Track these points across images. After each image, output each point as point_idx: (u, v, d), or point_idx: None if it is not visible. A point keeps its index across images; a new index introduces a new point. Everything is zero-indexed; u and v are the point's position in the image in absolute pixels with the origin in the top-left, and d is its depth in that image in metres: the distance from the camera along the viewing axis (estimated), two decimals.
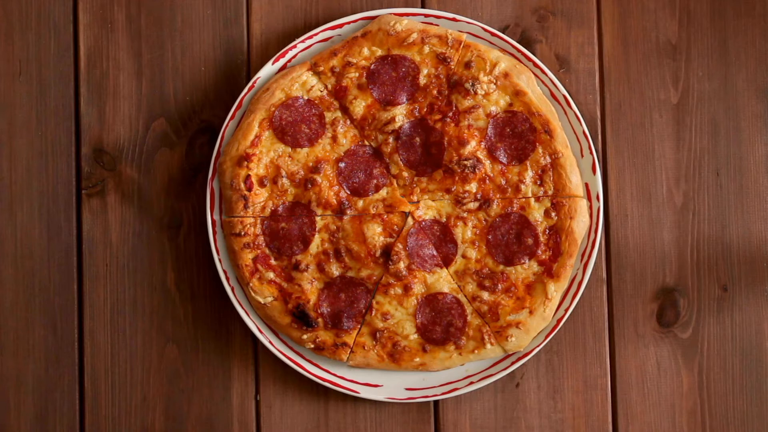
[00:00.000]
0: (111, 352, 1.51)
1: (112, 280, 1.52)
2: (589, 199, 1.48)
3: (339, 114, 1.48)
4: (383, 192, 1.48)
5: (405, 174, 1.49)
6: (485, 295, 1.46)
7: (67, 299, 1.52)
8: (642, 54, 1.53)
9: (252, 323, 1.48)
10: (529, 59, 1.48)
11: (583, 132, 1.48)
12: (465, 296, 1.46)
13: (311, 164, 1.47)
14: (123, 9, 1.54)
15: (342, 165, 1.47)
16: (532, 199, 1.47)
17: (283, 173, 1.46)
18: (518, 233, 1.46)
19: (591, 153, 1.48)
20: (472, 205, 1.47)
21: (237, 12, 1.54)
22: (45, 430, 1.51)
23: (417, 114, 1.49)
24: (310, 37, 1.50)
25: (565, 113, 1.49)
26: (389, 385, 1.49)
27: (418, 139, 1.49)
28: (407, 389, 1.48)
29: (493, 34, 1.49)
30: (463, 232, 1.47)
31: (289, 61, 1.50)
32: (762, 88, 1.52)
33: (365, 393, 1.48)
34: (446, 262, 1.47)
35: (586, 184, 1.48)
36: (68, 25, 1.54)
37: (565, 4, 1.53)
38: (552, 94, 1.49)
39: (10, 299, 1.52)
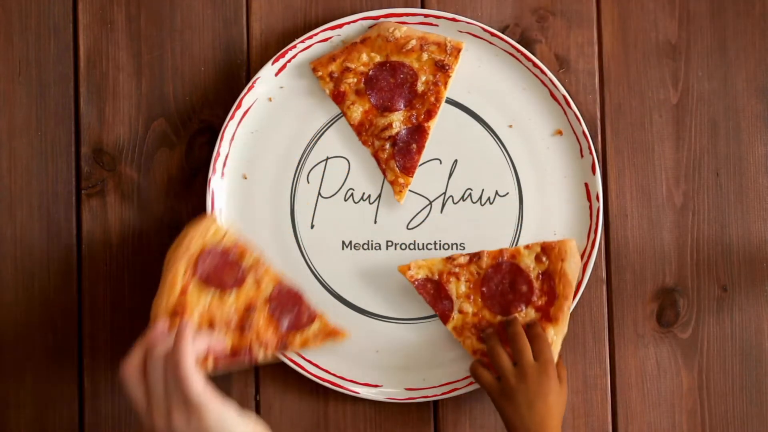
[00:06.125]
0: (111, 352, 1.51)
1: (112, 280, 1.52)
2: (588, 199, 1.48)
3: (255, 257, 1.45)
4: (315, 326, 1.47)
5: (401, 180, 1.49)
6: (485, 348, 1.45)
7: (67, 299, 1.52)
8: (642, 54, 1.53)
9: None
10: (529, 59, 1.48)
11: (583, 132, 1.48)
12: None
13: (243, 307, 1.44)
14: (123, 9, 1.54)
15: (272, 305, 1.45)
16: (522, 247, 1.47)
17: (217, 322, 1.42)
18: (512, 282, 1.46)
19: (591, 153, 1.48)
20: (463, 260, 1.47)
21: (237, 12, 1.54)
22: (45, 430, 1.51)
23: (414, 120, 1.49)
24: (310, 38, 1.50)
25: (565, 113, 1.49)
26: (389, 385, 1.49)
27: (414, 145, 1.49)
28: (407, 389, 1.49)
29: (492, 34, 1.49)
30: (457, 287, 1.47)
31: (289, 61, 1.50)
32: (762, 88, 1.52)
33: (365, 393, 1.48)
34: (444, 319, 1.47)
35: (586, 184, 1.49)
36: (68, 25, 1.55)
37: (564, 4, 1.53)
38: (552, 94, 1.49)
39: (10, 299, 1.52)
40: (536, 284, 1.46)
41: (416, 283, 1.47)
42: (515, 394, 1.37)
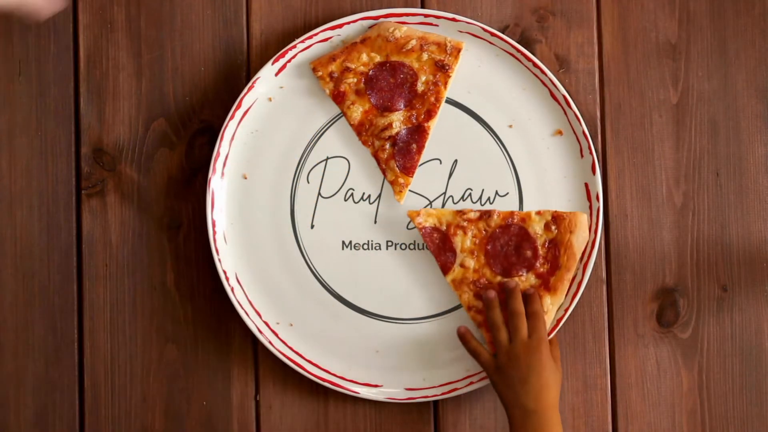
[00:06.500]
0: (111, 352, 1.51)
1: (112, 280, 1.52)
2: (588, 199, 1.48)
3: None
4: None
5: (401, 180, 1.49)
6: (480, 305, 1.46)
7: (67, 299, 1.52)
8: (642, 54, 1.53)
9: (252, 323, 1.48)
10: (529, 59, 1.48)
11: (583, 132, 1.48)
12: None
13: None
14: (123, 9, 1.54)
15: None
16: (533, 212, 1.47)
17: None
18: (517, 245, 1.47)
19: (591, 153, 1.48)
20: (473, 215, 1.47)
21: (237, 12, 1.54)
22: (45, 430, 1.51)
23: (414, 120, 1.49)
24: (310, 38, 1.50)
25: (565, 113, 1.49)
26: (389, 385, 1.49)
27: (414, 145, 1.49)
28: (407, 389, 1.49)
29: (492, 34, 1.49)
30: (463, 241, 1.47)
31: (289, 61, 1.50)
32: (762, 88, 1.52)
33: (365, 393, 1.48)
34: (444, 270, 1.47)
35: (586, 184, 1.49)
36: (68, 25, 1.55)
37: (564, 4, 1.53)
38: (552, 94, 1.49)
39: (10, 299, 1.52)
40: (541, 251, 1.46)
41: (423, 230, 1.47)
42: (508, 370, 1.39)
